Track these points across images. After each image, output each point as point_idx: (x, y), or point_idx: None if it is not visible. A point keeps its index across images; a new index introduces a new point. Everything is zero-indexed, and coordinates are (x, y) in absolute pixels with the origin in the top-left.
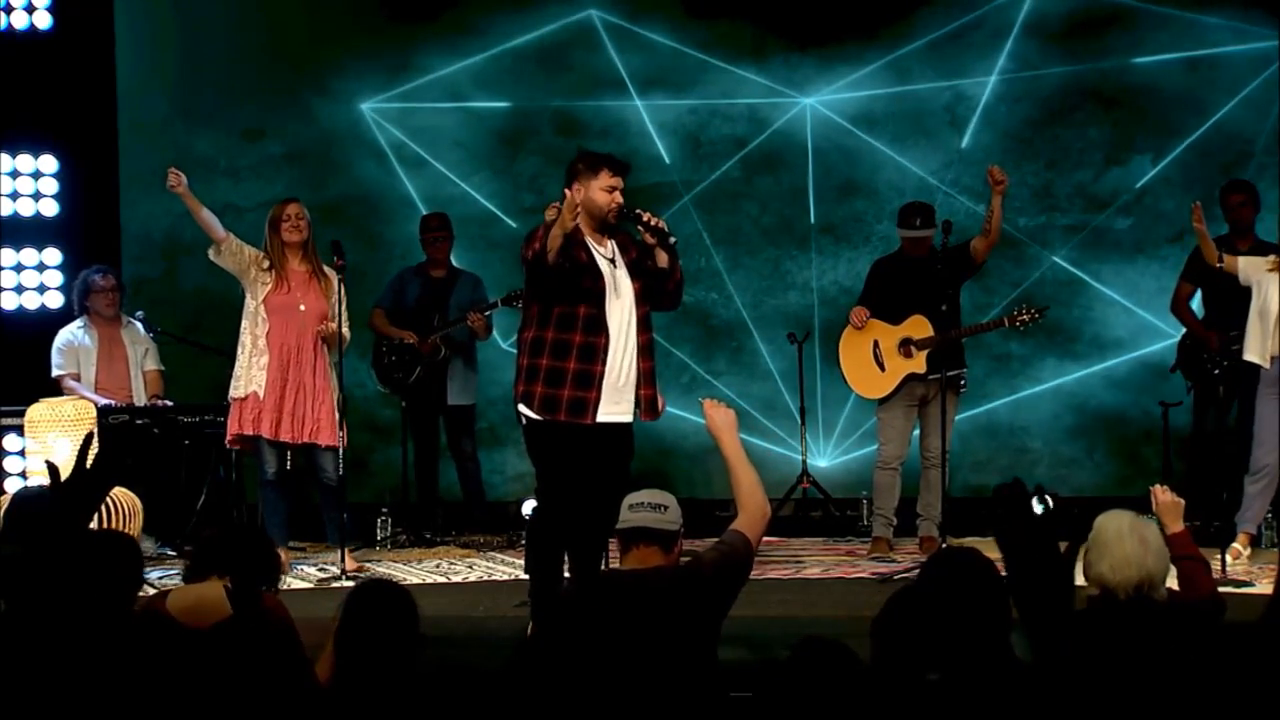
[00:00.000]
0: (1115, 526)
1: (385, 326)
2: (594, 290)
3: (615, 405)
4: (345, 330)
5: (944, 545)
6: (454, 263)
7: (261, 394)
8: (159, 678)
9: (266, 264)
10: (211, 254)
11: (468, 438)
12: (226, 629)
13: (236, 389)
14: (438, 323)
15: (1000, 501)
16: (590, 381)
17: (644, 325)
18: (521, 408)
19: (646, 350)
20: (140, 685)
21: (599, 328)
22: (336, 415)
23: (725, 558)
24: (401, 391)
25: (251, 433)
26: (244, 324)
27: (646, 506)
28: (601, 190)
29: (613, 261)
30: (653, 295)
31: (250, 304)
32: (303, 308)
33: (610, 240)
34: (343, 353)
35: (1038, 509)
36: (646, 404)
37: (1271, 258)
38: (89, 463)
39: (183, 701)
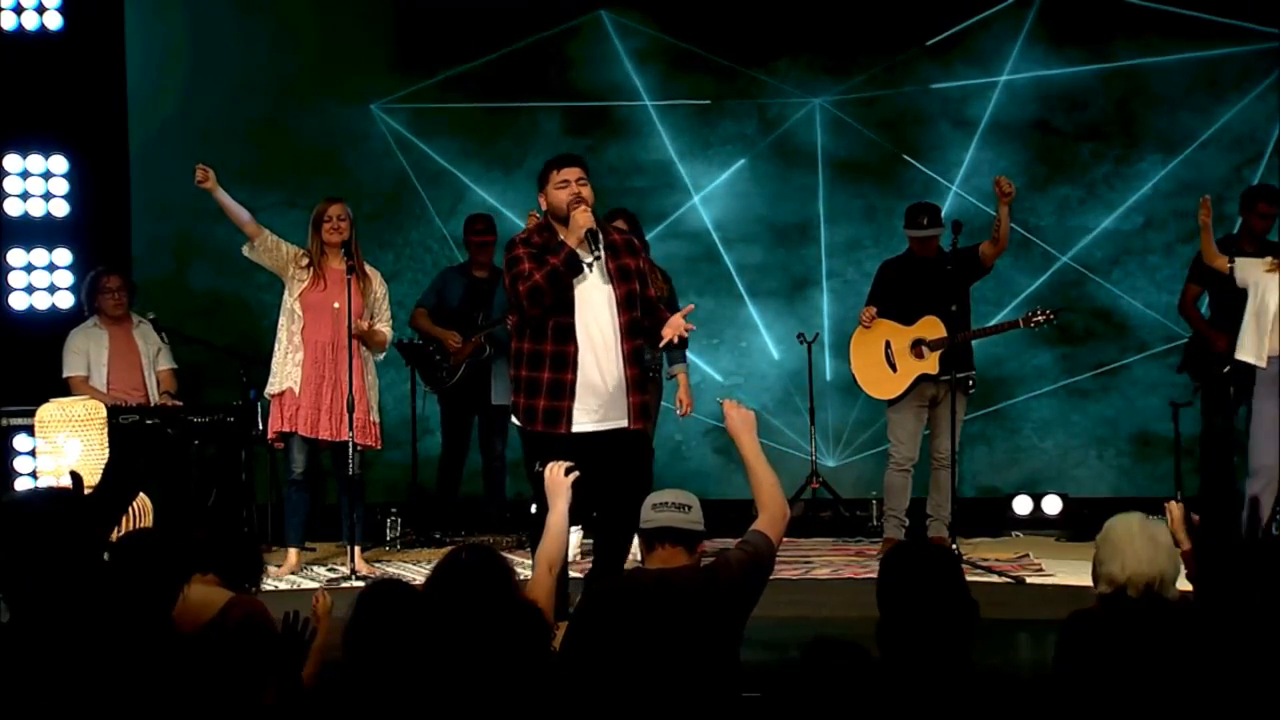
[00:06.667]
0: (1125, 526)
1: (429, 326)
2: (562, 299)
3: (593, 414)
4: (386, 328)
5: (954, 547)
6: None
7: (297, 390)
8: (152, 678)
9: (305, 261)
10: (246, 250)
11: (500, 438)
12: (210, 632)
13: (272, 385)
14: (482, 321)
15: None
16: (562, 391)
17: (628, 332)
18: (512, 417)
19: (632, 358)
20: (136, 685)
21: (568, 336)
22: (376, 415)
23: (750, 558)
24: (441, 390)
25: (289, 429)
26: (280, 320)
27: (671, 506)
28: (555, 189)
29: (588, 268)
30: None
31: (286, 300)
32: (336, 305)
33: (593, 247)
34: (385, 351)
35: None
36: (635, 411)
37: (1269, 259)
38: (110, 471)
39: (169, 702)
